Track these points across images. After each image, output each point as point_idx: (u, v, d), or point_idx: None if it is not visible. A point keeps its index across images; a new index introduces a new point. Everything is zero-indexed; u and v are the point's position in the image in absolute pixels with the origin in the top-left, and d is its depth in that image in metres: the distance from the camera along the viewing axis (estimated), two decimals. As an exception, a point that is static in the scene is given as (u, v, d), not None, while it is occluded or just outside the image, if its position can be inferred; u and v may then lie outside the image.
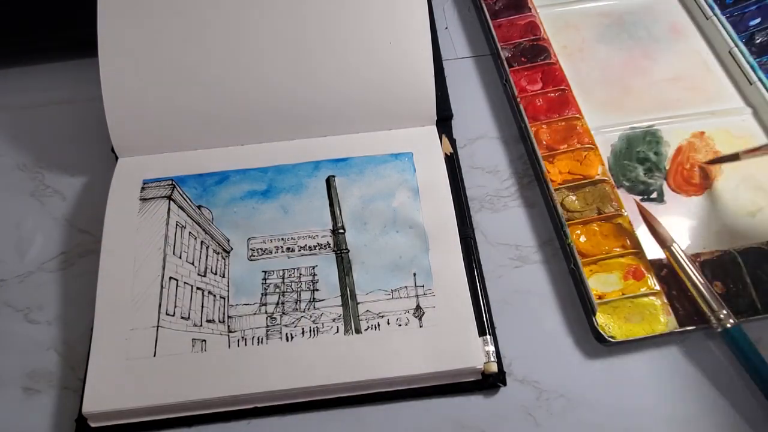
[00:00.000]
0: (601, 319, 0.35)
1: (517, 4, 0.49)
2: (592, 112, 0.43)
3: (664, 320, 0.35)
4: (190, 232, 0.38)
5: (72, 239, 0.40)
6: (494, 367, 0.34)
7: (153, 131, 0.41)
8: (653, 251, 0.37)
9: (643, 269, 0.37)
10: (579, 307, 0.37)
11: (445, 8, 0.52)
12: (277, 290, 0.36)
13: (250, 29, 0.41)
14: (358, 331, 0.35)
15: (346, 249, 0.37)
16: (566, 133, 0.42)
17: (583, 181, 0.40)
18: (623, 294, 0.36)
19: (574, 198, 0.40)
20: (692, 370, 0.35)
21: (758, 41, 0.45)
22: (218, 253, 0.38)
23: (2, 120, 0.46)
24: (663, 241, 0.36)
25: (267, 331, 0.35)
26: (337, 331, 0.35)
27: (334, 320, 0.35)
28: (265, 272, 0.37)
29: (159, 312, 0.35)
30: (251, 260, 0.37)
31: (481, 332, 0.35)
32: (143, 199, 0.39)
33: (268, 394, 0.33)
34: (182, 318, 0.35)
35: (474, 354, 0.34)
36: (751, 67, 0.44)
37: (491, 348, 0.34)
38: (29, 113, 0.46)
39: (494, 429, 0.34)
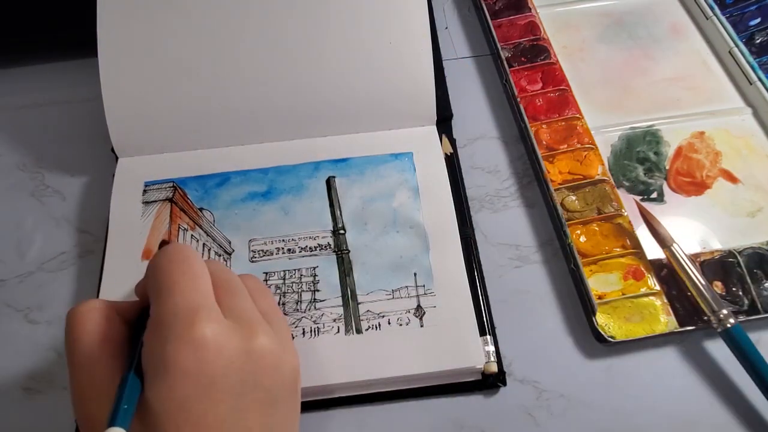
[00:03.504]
0: (601, 319, 0.35)
1: (517, 4, 0.49)
2: (592, 112, 0.43)
3: (664, 320, 0.35)
4: (192, 235, 0.38)
5: (72, 239, 0.40)
6: (494, 367, 0.34)
7: (153, 131, 0.41)
8: (653, 251, 0.37)
9: (643, 269, 0.37)
10: (579, 307, 0.37)
11: (445, 8, 0.52)
12: (278, 291, 0.36)
13: (251, 29, 0.41)
14: (358, 331, 0.35)
15: (347, 249, 0.37)
16: (566, 133, 0.42)
17: (583, 181, 0.40)
18: (623, 294, 0.36)
19: (574, 198, 0.40)
20: (692, 370, 0.35)
21: (758, 41, 0.46)
22: (220, 255, 0.38)
23: (2, 120, 0.46)
24: (663, 241, 0.36)
25: (267, 331, 0.35)
26: (338, 332, 0.35)
27: (334, 320, 0.35)
28: (266, 273, 0.37)
29: (159, 312, 0.35)
30: (252, 262, 0.37)
31: (482, 332, 0.35)
32: (146, 202, 0.39)
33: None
34: (183, 318, 0.35)
35: (474, 354, 0.34)
36: (751, 67, 0.44)
37: (491, 348, 0.35)
38: (29, 113, 0.46)
39: (494, 429, 0.34)
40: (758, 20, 0.46)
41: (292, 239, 0.38)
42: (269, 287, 0.36)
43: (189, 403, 0.24)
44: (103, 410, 0.24)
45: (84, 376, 0.26)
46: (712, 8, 0.47)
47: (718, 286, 0.36)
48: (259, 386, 0.26)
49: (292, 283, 0.36)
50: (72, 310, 0.27)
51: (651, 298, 0.36)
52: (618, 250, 0.38)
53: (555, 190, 0.40)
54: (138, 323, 0.28)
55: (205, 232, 0.38)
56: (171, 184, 0.40)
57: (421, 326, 0.35)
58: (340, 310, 0.35)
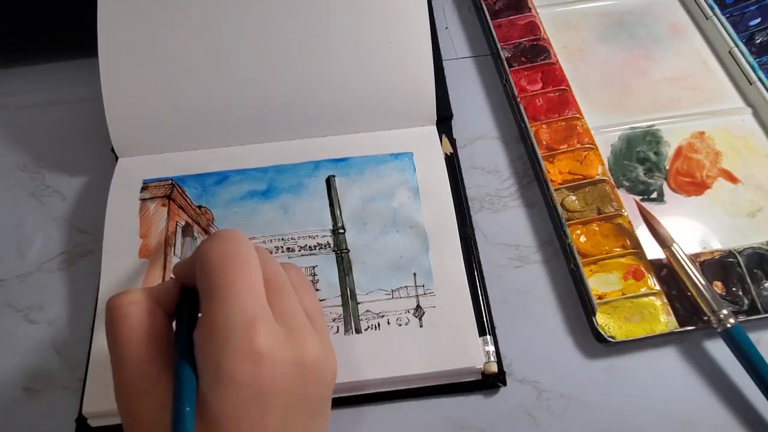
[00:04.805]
0: (601, 319, 0.35)
1: (517, 4, 0.49)
2: (592, 112, 0.43)
3: (664, 320, 0.35)
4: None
5: (72, 239, 0.40)
6: (494, 367, 0.34)
7: (153, 131, 0.41)
8: (653, 251, 0.37)
9: (643, 269, 0.37)
10: (579, 307, 0.37)
11: (445, 8, 0.52)
12: (278, 290, 0.36)
13: (250, 29, 0.41)
14: (358, 330, 0.35)
15: (347, 249, 0.37)
16: (566, 133, 0.42)
17: (583, 181, 0.40)
18: (623, 294, 0.36)
19: (574, 198, 0.40)
20: (692, 370, 0.35)
21: (758, 41, 0.46)
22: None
23: (2, 120, 0.46)
24: (663, 241, 0.36)
25: (267, 331, 0.35)
26: (337, 331, 0.35)
27: (334, 320, 0.35)
28: (266, 272, 0.37)
29: (159, 312, 0.35)
30: (251, 260, 0.37)
31: (481, 332, 0.35)
32: (143, 199, 0.39)
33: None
34: (182, 318, 0.35)
35: (474, 354, 0.34)
36: (751, 67, 0.44)
37: (491, 348, 0.34)
38: (29, 113, 0.46)
39: (494, 429, 0.34)
40: (758, 20, 0.46)
41: (292, 238, 0.38)
42: None
43: (239, 412, 0.24)
44: (151, 410, 0.24)
45: (129, 374, 0.25)
46: (712, 8, 0.47)
47: (718, 286, 0.36)
48: (304, 397, 0.26)
49: (292, 282, 0.36)
50: (112, 302, 0.26)
51: (651, 298, 0.36)
52: (618, 250, 0.38)
53: (555, 190, 0.40)
54: (180, 307, 0.27)
55: (204, 230, 0.38)
56: (169, 182, 0.40)
57: (421, 326, 0.35)
58: (340, 310, 0.35)
